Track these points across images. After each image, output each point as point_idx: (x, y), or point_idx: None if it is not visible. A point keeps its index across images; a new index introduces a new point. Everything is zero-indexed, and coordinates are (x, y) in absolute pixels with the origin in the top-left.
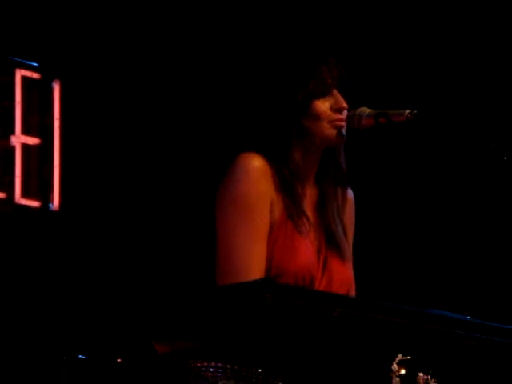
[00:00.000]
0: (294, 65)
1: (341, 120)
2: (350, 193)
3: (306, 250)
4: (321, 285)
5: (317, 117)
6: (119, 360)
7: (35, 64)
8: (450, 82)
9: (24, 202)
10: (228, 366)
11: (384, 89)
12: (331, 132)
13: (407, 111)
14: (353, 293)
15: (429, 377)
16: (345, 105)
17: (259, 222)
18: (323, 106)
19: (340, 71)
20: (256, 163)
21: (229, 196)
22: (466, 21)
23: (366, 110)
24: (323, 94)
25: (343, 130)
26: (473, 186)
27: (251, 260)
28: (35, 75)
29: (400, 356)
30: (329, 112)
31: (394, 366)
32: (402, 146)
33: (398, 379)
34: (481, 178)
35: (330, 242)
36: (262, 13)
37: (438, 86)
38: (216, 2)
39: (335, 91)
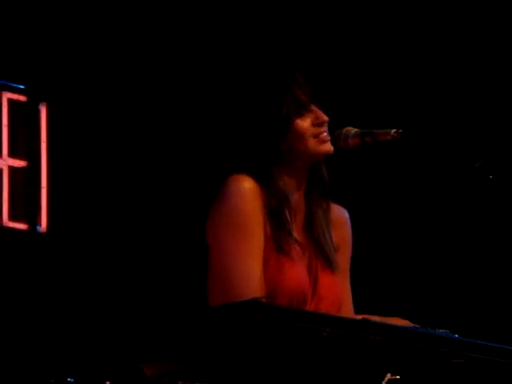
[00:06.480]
0: (264, 89)
1: (324, 132)
2: (344, 213)
3: (296, 272)
4: (313, 300)
5: (301, 135)
6: (108, 382)
7: (21, 86)
8: (436, 101)
9: (11, 224)
10: None
11: (370, 108)
12: (319, 147)
13: (393, 130)
14: (347, 307)
15: None
16: (325, 118)
17: (255, 240)
18: (305, 123)
19: (311, 86)
20: (247, 184)
21: (224, 216)
22: (449, 39)
23: (352, 130)
24: (301, 112)
25: (329, 142)
26: (459, 205)
27: (252, 277)
28: (21, 98)
29: (389, 375)
30: (312, 128)
31: None
32: (388, 165)
33: None
34: (466, 196)
35: (318, 252)
36: (230, 39)
37: (424, 105)
38: (190, 30)
39: (313, 106)
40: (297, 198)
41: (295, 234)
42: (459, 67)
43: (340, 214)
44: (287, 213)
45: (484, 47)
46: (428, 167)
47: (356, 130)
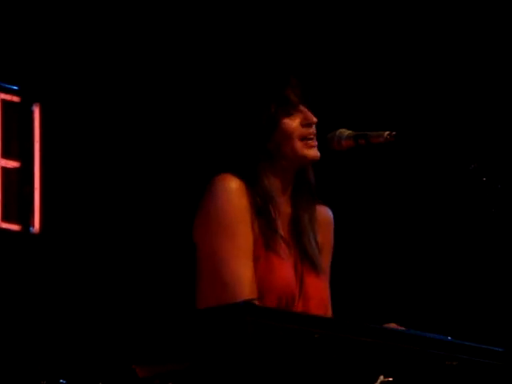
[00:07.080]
0: (255, 87)
1: (312, 134)
2: (328, 213)
3: (284, 269)
4: (300, 301)
5: (288, 135)
6: None
7: (15, 87)
8: (430, 104)
9: (4, 225)
10: None
11: (363, 110)
12: (305, 151)
13: (386, 132)
14: (329, 309)
15: None
16: (314, 119)
17: (243, 239)
18: (293, 123)
19: (303, 88)
20: (233, 184)
21: (211, 217)
22: (442, 41)
23: (345, 132)
24: (290, 112)
25: (316, 147)
26: (453, 207)
27: (241, 277)
28: (15, 98)
29: (381, 377)
30: (299, 128)
31: None
32: (382, 168)
33: None
34: (460, 199)
35: (304, 256)
36: (225, 39)
37: (418, 108)
38: (183, 31)
39: (302, 107)
40: (282, 201)
41: (281, 232)
42: (453, 70)
43: (325, 214)
44: (272, 211)
45: (477, 51)
46: (422, 169)
47: (349, 131)
